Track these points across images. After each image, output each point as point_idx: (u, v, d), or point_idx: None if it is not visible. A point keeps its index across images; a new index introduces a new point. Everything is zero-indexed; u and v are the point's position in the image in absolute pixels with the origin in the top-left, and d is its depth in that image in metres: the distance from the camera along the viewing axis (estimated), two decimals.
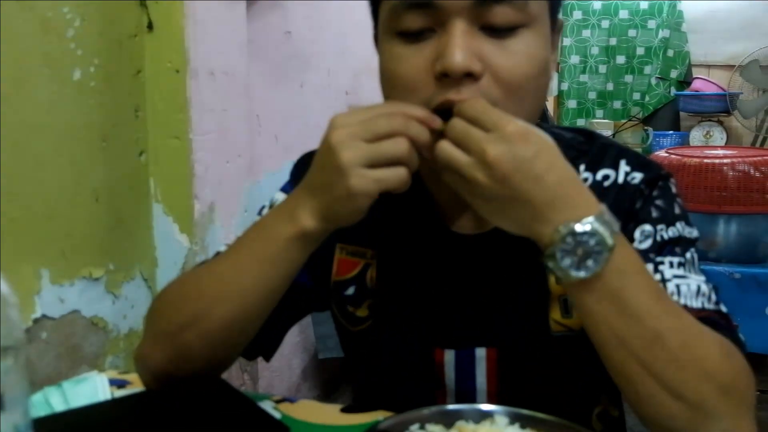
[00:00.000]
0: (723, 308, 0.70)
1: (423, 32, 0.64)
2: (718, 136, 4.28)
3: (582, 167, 0.76)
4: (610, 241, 0.57)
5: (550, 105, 4.70)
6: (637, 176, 0.75)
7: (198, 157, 1.19)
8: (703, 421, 0.58)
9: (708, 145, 4.14)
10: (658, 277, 0.70)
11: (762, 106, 4.14)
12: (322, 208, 0.64)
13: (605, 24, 4.71)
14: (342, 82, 2.06)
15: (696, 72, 4.55)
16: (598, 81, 4.79)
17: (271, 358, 0.85)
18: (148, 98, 1.16)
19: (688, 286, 0.69)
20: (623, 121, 4.53)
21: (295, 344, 1.88)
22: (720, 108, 4.24)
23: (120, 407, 0.58)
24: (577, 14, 4.75)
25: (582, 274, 0.57)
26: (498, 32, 0.63)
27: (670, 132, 4.40)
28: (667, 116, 4.61)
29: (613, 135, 4.26)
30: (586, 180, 0.76)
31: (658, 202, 0.74)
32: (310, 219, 0.64)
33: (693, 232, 0.74)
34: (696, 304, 0.68)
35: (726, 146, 3.68)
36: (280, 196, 0.84)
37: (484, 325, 0.77)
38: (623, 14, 4.66)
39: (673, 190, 0.76)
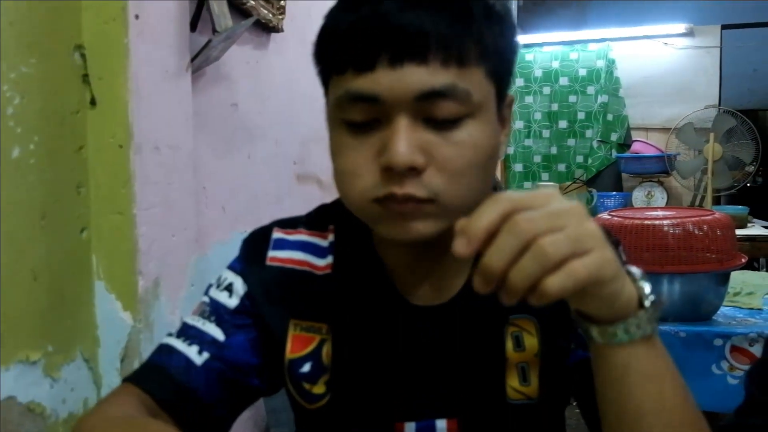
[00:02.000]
0: None
1: (368, 123, 0.65)
2: (659, 195, 4.41)
3: None
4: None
5: (497, 170, 4.79)
6: None
7: (142, 232, 1.17)
8: None
9: (650, 205, 4.25)
10: None
11: (698, 166, 4.29)
12: None
13: (547, 90, 4.86)
14: (290, 151, 2.07)
15: (635, 135, 4.71)
16: (542, 145, 4.91)
17: None
18: (90, 174, 1.14)
19: None
20: (568, 183, 4.64)
21: (246, 420, 1.83)
22: (659, 169, 4.38)
23: None
24: (520, 81, 4.89)
25: (655, 324, 0.60)
26: (441, 125, 0.64)
27: (614, 193, 4.52)
28: (610, 178, 4.74)
29: None
30: None
31: None
32: None
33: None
34: None
35: (666, 207, 3.77)
36: (229, 275, 0.83)
37: (444, 395, 0.77)
38: (563, 81, 4.82)
39: (623, 257, 0.79)
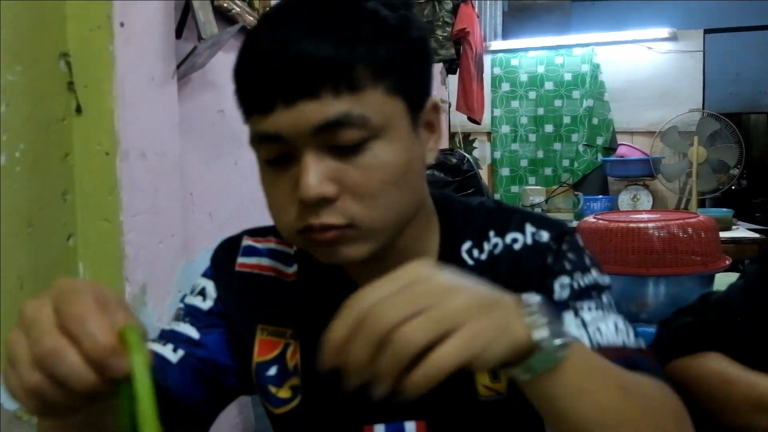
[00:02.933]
0: (642, 344, 0.74)
1: (281, 159, 0.67)
2: (645, 199, 4.44)
3: (491, 233, 0.80)
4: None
5: (484, 173, 4.81)
6: (544, 235, 0.79)
7: (129, 239, 1.17)
8: None
9: (636, 208, 4.28)
10: (578, 321, 0.72)
11: (683, 169, 4.32)
12: None
13: (532, 95, 4.89)
14: None
15: (620, 138, 4.74)
16: (528, 149, 4.94)
17: None
18: (76, 181, 1.14)
19: (607, 325, 0.72)
20: (554, 187, 4.66)
21: (234, 426, 1.82)
22: (645, 172, 4.41)
23: None
24: (506, 86, 4.92)
25: (568, 338, 0.57)
26: (346, 150, 0.65)
27: (600, 196, 4.55)
28: (596, 181, 4.76)
29: (546, 201, 4.37)
30: (496, 245, 0.79)
31: (570, 255, 0.78)
32: None
33: (606, 279, 0.79)
34: (617, 341, 0.71)
35: (651, 210, 3.81)
36: (201, 281, 0.86)
37: (411, 398, 0.77)
38: (549, 86, 4.85)
39: (580, 243, 0.81)
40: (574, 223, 3.47)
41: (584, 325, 0.72)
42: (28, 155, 1.03)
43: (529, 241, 0.79)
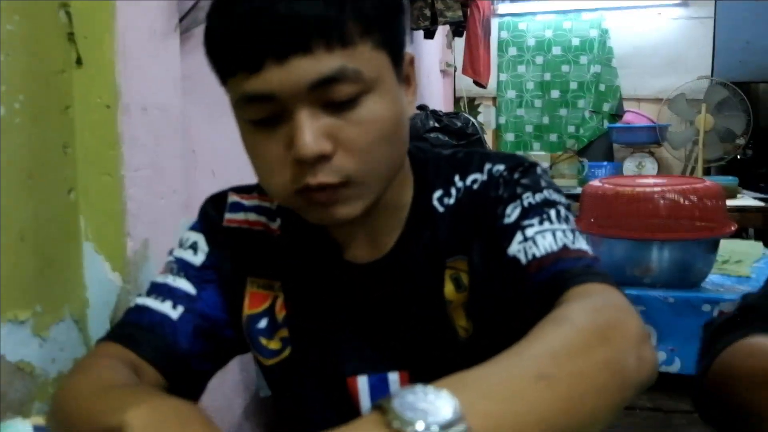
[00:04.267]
0: (588, 250, 0.71)
1: (271, 118, 0.66)
2: (650, 166, 4.41)
3: (456, 177, 0.80)
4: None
5: (489, 138, 4.78)
6: (500, 167, 0.79)
7: (130, 194, 1.16)
8: (620, 374, 0.54)
9: (640, 174, 4.26)
10: (520, 238, 0.71)
11: (689, 137, 4.29)
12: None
13: (539, 60, 4.84)
14: None
15: (627, 105, 4.70)
16: (534, 115, 4.90)
17: (199, 399, 0.84)
18: (77, 134, 1.12)
19: (544, 236, 0.71)
20: (559, 153, 4.63)
21: (237, 383, 1.83)
22: (651, 139, 4.38)
23: None
24: (512, 50, 4.87)
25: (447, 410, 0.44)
26: (341, 106, 0.65)
27: (605, 163, 4.52)
28: (601, 148, 4.74)
29: (550, 166, 4.35)
30: (460, 189, 0.79)
31: (523, 180, 0.77)
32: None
33: (561, 198, 0.77)
34: (554, 248, 0.70)
35: (657, 175, 3.79)
36: (192, 235, 0.87)
37: (393, 348, 0.79)
38: (556, 50, 4.80)
39: (538, 171, 0.79)
40: (579, 190, 3.45)
41: (525, 240, 0.71)
42: (28, 107, 1.02)
43: (485, 177, 0.79)
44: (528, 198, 0.75)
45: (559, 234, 0.71)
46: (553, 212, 0.74)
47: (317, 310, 0.81)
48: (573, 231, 0.73)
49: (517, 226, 0.73)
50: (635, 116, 4.48)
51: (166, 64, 1.29)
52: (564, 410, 0.49)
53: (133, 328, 0.80)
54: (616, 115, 4.68)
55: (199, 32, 1.51)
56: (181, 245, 0.87)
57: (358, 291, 0.80)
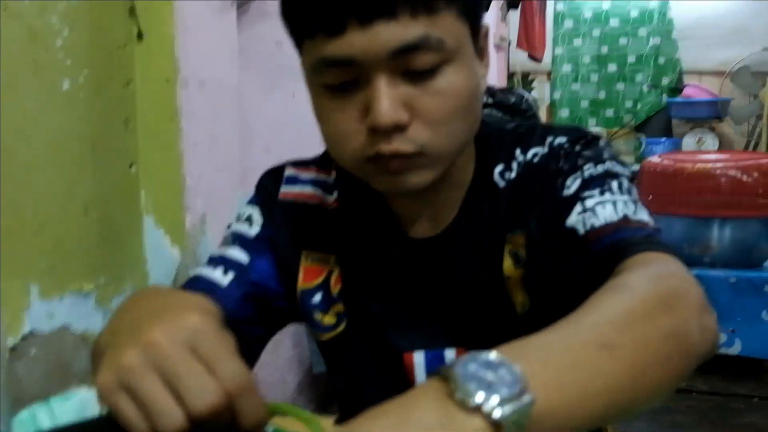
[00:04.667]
0: (651, 221, 0.69)
1: (348, 84, 0.65)
2: (710, 142, 4.30)
3: (518, 151, 0.78)
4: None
5: (543, 114, 4.71)
6: (562, 140, 0.77)
7: (189, 168, 1.18)
8: (686, 339, 0.53)
9: (701, 150, 4.15)
10: (580, 209, 0.70)
11: (753, 111, 4.16)
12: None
13: (596, 33, 4.73)
14: None
15: (687, 79, 4.57)
16: (590, 89, 4.81)
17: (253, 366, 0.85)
18: (138, 109, 1.14)
19: (604, 206, 0.69)
20: (616, 129, 4.54)
21: (290, 358, 1.86)
22: (712, 114, 4.26)
23: (108, 424, 0.56)
24: (568, 23, 4.77)
25: (524, 402, 0.42)
26: (420, 75, 0.64)
27: (663, 139, 4.42)
28: (660, 123, 4.63)
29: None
30: (520, 163, 0.78)
31: (585, 152, 0.75)
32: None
33: (624, 169, 0.75)
34: (614, 218, 0.68)
35: (718, 151, 3.68)
36: (247, 209, 0.87)
37: (450, 325, 0.79)
38: (614, 23, 4.68)
39: (601, 143, 0.77)
40: (636, 166, 3.38)
41: (584, 210, 0.70)
42: (91, 81, 1.04)
43: (546, 150, 0.77)
44: (589, 169, 0.73)
45: (620, 204, 0.69)
46: (615, 183, 0.72)
47: (374, 285, 0.81)
48: (635, 202, 0.71)
49: (577, 197, 0.72)
50: (696, 90, 4.36)
51: (223, 37, 1.30)
52: (628, 380, 0.48)
53: None
54: (676, 89, 4.56)
55: (255, 6, 1.52)
56: (238, 219, 0.87)
57: (416, 266, 0.79)
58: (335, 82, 0.65)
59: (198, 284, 0.80)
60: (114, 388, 0.47)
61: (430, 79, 0.64)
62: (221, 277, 0.80)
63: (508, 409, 0.41)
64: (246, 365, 0.50)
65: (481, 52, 0.72)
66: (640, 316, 0.52)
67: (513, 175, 0.78)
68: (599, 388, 0.46)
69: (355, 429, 0.42)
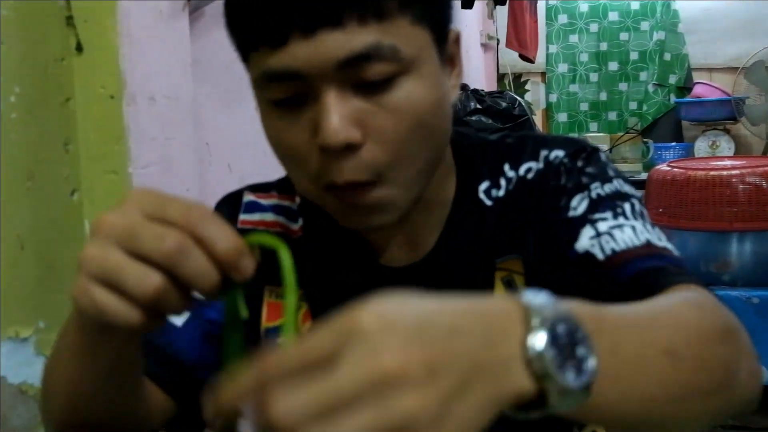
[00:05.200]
0: (672, 248, 0.71)
1: (295, 99, 0.65)
2: (725, 145, 4.35)
3: (506, 167, 0.79)
4: (566, 310, 0.46)
5: (538, 120, 4.75)
6: (559, 153, 0.77)
7: None
8: (733, 378, 0.56)
9: (715, 155, 4.20)
10: (591, 233, 0.71)
11: None
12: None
13: (594, 28, 4.79)
14: None
15: (696, 76, 4.63)
16: (589, 91, 4.85)
17: None
18: (79, 129, 1.14)
19: (623, 230, 0.70)
20: (620, 133, 4.58)
21: None
22: (725, 115, 4.31)
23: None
24: (563, 18, 4.82)
25: (589, 372, 0.44)
26: (373, 87, 0.64)
27: (673, 144, 4.46)
28: (668, 126, 4.68)
29: (611, 149, 4.30)
30: (511, 180, 0.78)
31: (588, 169, 0.76)
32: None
33: (632, 190, 0.76)
34: (638, 241, 0.69)
35: (734, 156, 3.73)
36: None
37: None
38: (613, 16, 4.74)
39: (603, 158, 0.78)
40: (644, 175, 3.42)
41: (598, 235, 0.71)
42: (25, 100, 1.04)
43: (541, 165, 0.78)
44: (596, 189, 0.74)
45: (639, 228, 0.71)
46: (627, 206, 0.73)
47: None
48: (653, 226, 0.72)
49: (586, 219, 0.72)
50: (706, 88, 4.41)
51: (175, 47, 1.30)
52: (679, 394, 0.51)
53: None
54: (685, 87, 4.62)
55: (210, 10, 1.52)
56: None
57: None
58: (281, 97, 0.66)
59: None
60: (86, 286, 0.48)
61: (385, 92, 0.64)
62: (174, 317, 0.79)
63: (563, 390, 0.42)
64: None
65: (450, 60, 0.73)
66: (705, 336, 0.55)
67: (501, 192, 0.79)
68: (651, 393, 0.49)
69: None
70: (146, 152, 1.20)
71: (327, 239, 0.81)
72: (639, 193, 0.77)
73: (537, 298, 0.45)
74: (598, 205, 0.73)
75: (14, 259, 1.01)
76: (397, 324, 0.40)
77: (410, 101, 0.65)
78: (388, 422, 0.37)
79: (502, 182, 0.79)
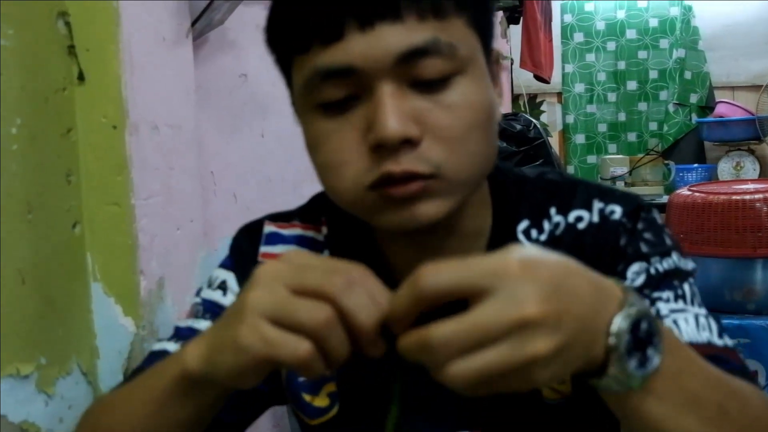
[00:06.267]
0: (729, 343, 0.73)
1: (347, 101, 0.66)
2: (750, 166, 4.33)
3: (553, 210, 0.80)
4: (655, 318, 0.56)
5: (555, 141, 4.76)
6: (616, 210, 0.78)
7: (142, 226, 1.19)
8: None
9: (739, 178, 4.18)
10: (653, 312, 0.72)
11: None
12: (210, 350, 0.60)
13: (611, 46, 4.80)
14: None
15: (719, 95, 4.63)
16: (608, 111, 4.86)
17: None
18: (81, 160, 1.16)
19: (686, 320, 0.72)
20: (640, 155, 4.58)
21: None
22: (750, 135, 4.30)
23: None
24: (579, 37, 4.84)
25: (649, 369, 0.55)
26: (430, 86, 0.65)
27: (695, 165, 4.45)
28: (690, 147, 4.67)
29: (630, 172, 4.30)
30: (558, 224, 0.79)
31: (646, 234, 0.78)
32: (195, 359, 0.61)
33: (689, 264, 0.78)
34: (700, 338, 0.71)
35: (758, 180, 3.71)
36: (221, 273, 0.86)
37: (465, 404, 0.78)
38: (631, 34, 4.76)
39: (659, 220, 0.80)
40: (665, 198, 3.41)
41: (659, 317, 0.72)
42: (26, 131, 1.06)
43: (596, 218, 0.78)
44: (656, 263, 0.75)
45: (702, 321, 0.72)
46: (686, 287, 0.75)
47: (372, 360, 0.80)
48: (708, 317, 0.73)
49: (644, 295, 0.73)
50: (729, 107, 4.41)
51: (178, 75, 1.32)
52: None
53: None
54: (706, 107, 4.62)
55: (214, 36, 1.55)
56: (209, 285, 0.87)
57: None
58: (333, 98, 0.66)
59: None
60: (263, 334, 0.53)
61: (442, 90, 0.65)
62: None
63: (634, 358, 0.53)
64: None
65: (494, 78, 0.73)
66: (758, 416, 0.62)
67: (544, 236, 0.78)
68: (688, 427, 0.57)
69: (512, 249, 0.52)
70: (149, 183, 1.22)
71: None
72: (692, 264, 0.79)
73: (637, 297, 0.55)
74: (658, 282, 0.74)
75: (15, 294, 1.02)
76: (539, 276, 0.49)
77: (466, 100, 0.66)
78: (519, 358, 0.47)
79: (546, 225, 0.79)
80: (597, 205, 0.79)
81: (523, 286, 0.48)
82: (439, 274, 0.50)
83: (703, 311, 0.74)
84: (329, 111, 0.67)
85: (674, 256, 0.76)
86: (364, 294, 0.54)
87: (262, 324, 0.54)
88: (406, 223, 0.68)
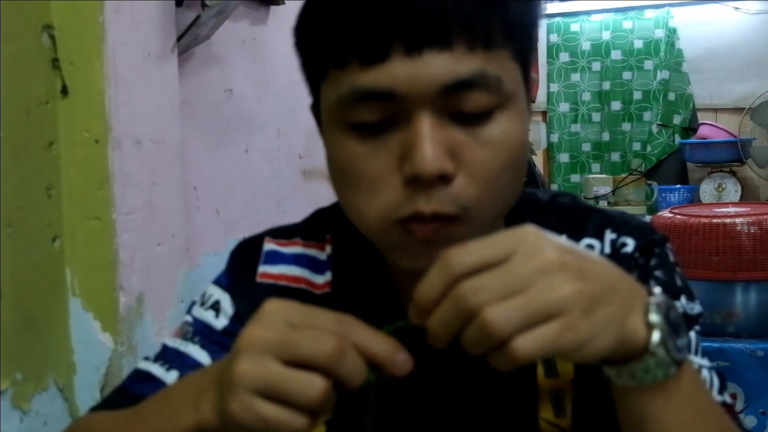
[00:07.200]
0: (729, 400, 0.73)
1: (381, 124, 0.63)
2: (732, 188, 4.36)
3: (564, 237, 0.77)
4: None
5: (539, 160, 4.78)
6: (629, 243, 0.77)
7: (123, 241, 1.19)
8: None
9: (721, 200, 4.21)
10: None
11: None
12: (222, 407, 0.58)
13: (596, 66, 4.83)
14: (294, 143, 2.08)
15: (702, 117, 4.66)
16: (592, 131, 4.87)
17: None
18: (62, 174, 1.15)
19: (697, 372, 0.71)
20: (623, 175, 4.60)
21: None
22: (732, 157, 4.33)
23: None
24: (564, 56, 4.87)
25: (685, 355, 0.58)
26: (470, 119, 0.63)
27: (678, 186, 4.47)
28: (673, 168, 4.69)
29: (613, 192, 4.32)
30: None
31: (658, 273, 0.76)
32: (211, 412, 0.58)
33: (695, 308, 0.77)
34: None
35: (739, 203, 3.74)
36: (215, 292, 0.83)
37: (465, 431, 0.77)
38: (616, 55, 4.78)
39: (671, 257, 0.79)
40: (647, 218, 3.43)
41: None
42: (7, 144, 1.05)
43: (607, 249, 0.77)
44: None
45: (704, 374, 0.72)
46: (693, 335, 0.74)
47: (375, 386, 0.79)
48: (712, 371, 0.73)
49: None
50: (712, 129, 4.44)
51: (163, 90, 1.32)
52: None
53: (129, 400, 0.76)
54: (689, 128, 4.65)
55: (200, 51, 1.55)
56: (202, 303, 0.83)
57: (431, 363, 0.74)
58: (367, 120, 0.63)
59: (148, 387, 0.77)
60: (248, 402, 0.52)
61: (483, 124, 0.63)
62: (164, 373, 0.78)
63: (664, 348, 0.55)
64: None
65: (528, 108, 0.71)
66: None
67: None
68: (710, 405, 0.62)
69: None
70: (131, 198, 1.21)
71: (356, 296, 0.78)
72: (698, 307, 0.79)
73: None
74: None
75: None
76: (555, 239, 0.53)
77: (506, 137, 0.64)
78: (552, 300, 0.49)
79: None
80: (609, 235, 0.77)
81: (542, 242, 0.52)
82: (466, 250, 0.52)
83: (706, 363, 0.73)
84: (362, 132, 0.64)
85: (683, 300, 0.75)
86: (356, 358, 0.54)
87: (254, 401, 0.52)
88: (421, 268, 0.67)
